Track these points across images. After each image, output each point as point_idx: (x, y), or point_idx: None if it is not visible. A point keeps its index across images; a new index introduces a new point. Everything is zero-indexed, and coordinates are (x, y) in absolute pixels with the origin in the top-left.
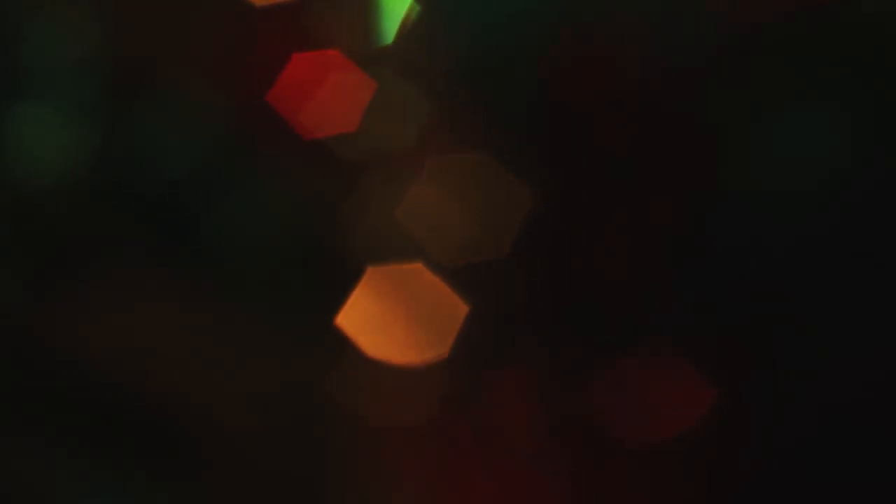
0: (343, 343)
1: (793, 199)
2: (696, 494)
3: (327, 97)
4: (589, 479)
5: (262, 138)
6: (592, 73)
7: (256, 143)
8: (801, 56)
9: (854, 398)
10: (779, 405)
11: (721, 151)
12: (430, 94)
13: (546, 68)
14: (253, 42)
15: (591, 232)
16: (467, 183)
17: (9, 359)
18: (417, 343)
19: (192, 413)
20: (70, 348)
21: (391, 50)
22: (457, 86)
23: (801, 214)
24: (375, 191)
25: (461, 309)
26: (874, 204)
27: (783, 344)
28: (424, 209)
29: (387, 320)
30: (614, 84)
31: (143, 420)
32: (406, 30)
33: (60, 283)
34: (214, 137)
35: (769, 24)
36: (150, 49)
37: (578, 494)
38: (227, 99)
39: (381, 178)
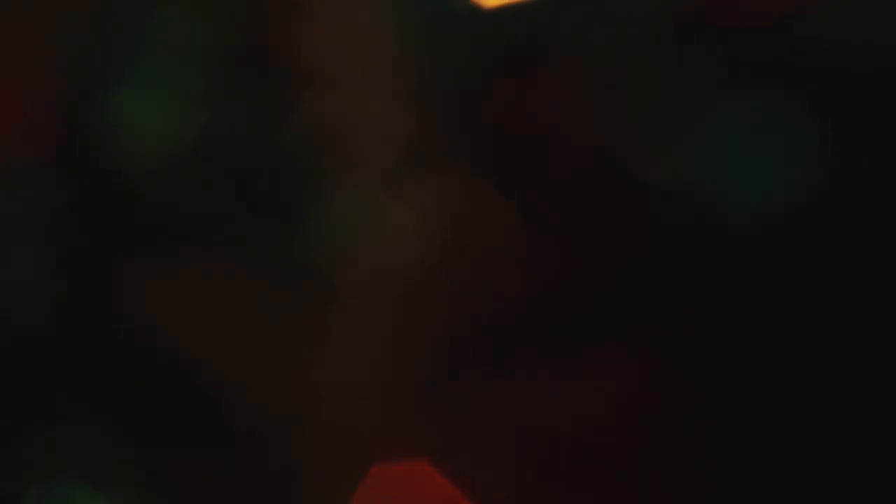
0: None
1: (771, 211)
2: (680, 494)
3: None
4: (571, 481)
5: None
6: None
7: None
8: (763, 75)
9: (854, 398)
10: (767, 407)
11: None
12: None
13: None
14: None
15: (568, 239)
16: (442, 197)
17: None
18: None
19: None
20: (130, 324)
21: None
22: (431, 101)
23: (782, 226)
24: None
25: None
26: (856, 210)
27: (768, 346)
28: (402, 221)
29: None
30: (584, 98)
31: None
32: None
33: (144, 261)
34: (304, 133)
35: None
36: (256, 42)
37: (565, 495)
38: (322, 96)
39: (361, 188)
